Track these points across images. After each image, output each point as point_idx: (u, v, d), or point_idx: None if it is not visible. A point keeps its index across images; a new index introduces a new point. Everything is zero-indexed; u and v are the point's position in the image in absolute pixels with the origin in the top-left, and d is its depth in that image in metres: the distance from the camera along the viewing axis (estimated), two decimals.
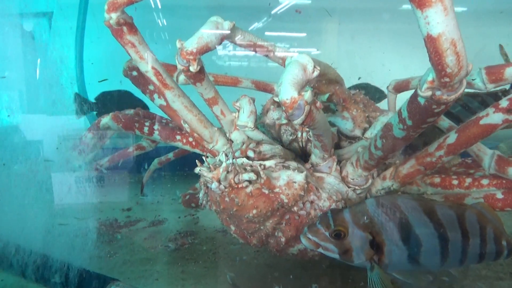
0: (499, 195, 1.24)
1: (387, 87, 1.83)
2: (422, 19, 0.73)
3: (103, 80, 1.73)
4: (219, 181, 1.17)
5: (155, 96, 1.66)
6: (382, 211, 1.10)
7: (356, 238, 1.08)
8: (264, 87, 1.97)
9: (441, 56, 0.75)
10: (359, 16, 3.12)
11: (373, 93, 2.29)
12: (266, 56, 1.54)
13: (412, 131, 0.99)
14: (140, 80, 1.74)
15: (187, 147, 1.69)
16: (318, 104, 1.07)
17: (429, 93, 0.82)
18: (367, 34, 3.17)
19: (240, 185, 1.18)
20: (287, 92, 0.99)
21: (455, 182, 1.35)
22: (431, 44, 0.75)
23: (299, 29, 2.94)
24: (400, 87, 1.78)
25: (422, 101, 0.87)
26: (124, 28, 1.21)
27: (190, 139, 1.66)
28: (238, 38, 1.39)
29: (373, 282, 1.07)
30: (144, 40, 1.26)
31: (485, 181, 1.30)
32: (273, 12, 2.71)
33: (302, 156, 1.53)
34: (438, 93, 0.81)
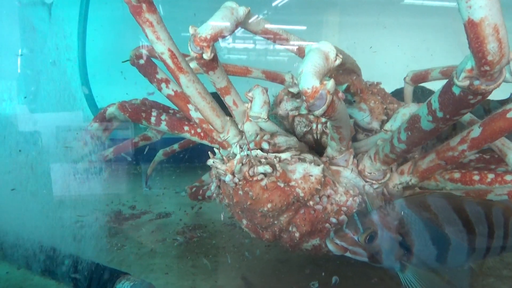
0: None
1: (404, 78, 1.78)
2: (463, 2, 0.68)
3: (126, 61, 1.69)
4: (233, 174, 1.13)
5: (163, 85, 1.61)
6: (412, 212, 1.06)
7: (386, 240, 1.04)
8: (275, 77, 1.92)
9: (482, 42, 0.70)
10: (361, 9, 3.07)
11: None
12: (280, 44, 1.49)
13: (442, 124, 0.94)
14: (147, 68, 1.68)
15: (195, 138, 1.64)
16: (340, 94, 1.02)
17: (466, 82, 0.77)
18: (369, 27, 3.12)
19: (254, 178, 1.14)
20: (308, 81, 0.93)
21: (476, 177, 1.29)
22: (472, 30, 0.69)
23: (300, 22, 2.90)
24: (418, 78, 1.72)
25: (457, 91, 0.82)
26: (144, 6, 1.15)
27: (199, 130, 1.61)
28: (253, 26, 1.34)
29: (409, 281, 1.03)
30: (162, 20, 1.20)
31: (509, 177, 1.25)
32: (274, 4, 2.67)
33: (315, 148, 1.48)
34: (476, 82, 0.76)
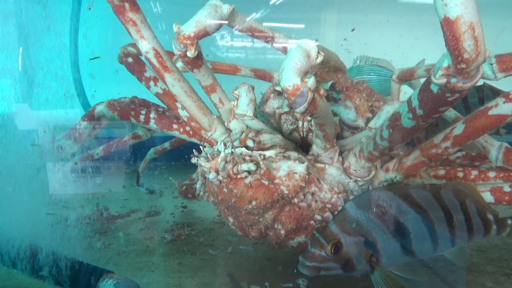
0: (507, 188, 1.20)
1: (391, 76, 1.79)
2: (439, 1, 0.68)
3: (94, 58, 1.67)
4: (217, 172, 1.13)
5: (151, 83, 1.61)
6: (363, 210, 1.08)
7: (351, 245, 1.06)
8: (263, 75, 1.92)
9: (458, 40, 0.70)
10: (359, 6, 3.07)
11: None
12: (266, 42, 1.49)
13: (422, 121, 0.95)
14: (135, 66, 1.68)
15: (184, 137, 1.64)
16: (322, 91, 1.02)
17: (443, 80, 0.77)
18: (367, 25, 3.13)
19: (238, 176, 1.14)
20: (290, 78, 0.94)
21: (460, 174, 1.31)
22: (448, 28, 0.70)
23: (298, 20, 2.90)
24: (404, 76, 1.73)
25: (435, 89, 0.82)
26: (126, 5, 1.15)
27: (187, 128, 1.61)
28: (238, 23, 1.34)
29: (378, 284, 1.04)
30: (145, 19, 1.20)
31: (492, 174, 1.26)
32: (271, 2, 2.67)
33: (302, 146, 1.48)
34: (453, 80, 0.77)
